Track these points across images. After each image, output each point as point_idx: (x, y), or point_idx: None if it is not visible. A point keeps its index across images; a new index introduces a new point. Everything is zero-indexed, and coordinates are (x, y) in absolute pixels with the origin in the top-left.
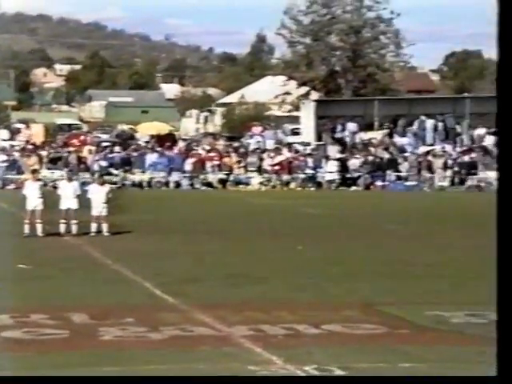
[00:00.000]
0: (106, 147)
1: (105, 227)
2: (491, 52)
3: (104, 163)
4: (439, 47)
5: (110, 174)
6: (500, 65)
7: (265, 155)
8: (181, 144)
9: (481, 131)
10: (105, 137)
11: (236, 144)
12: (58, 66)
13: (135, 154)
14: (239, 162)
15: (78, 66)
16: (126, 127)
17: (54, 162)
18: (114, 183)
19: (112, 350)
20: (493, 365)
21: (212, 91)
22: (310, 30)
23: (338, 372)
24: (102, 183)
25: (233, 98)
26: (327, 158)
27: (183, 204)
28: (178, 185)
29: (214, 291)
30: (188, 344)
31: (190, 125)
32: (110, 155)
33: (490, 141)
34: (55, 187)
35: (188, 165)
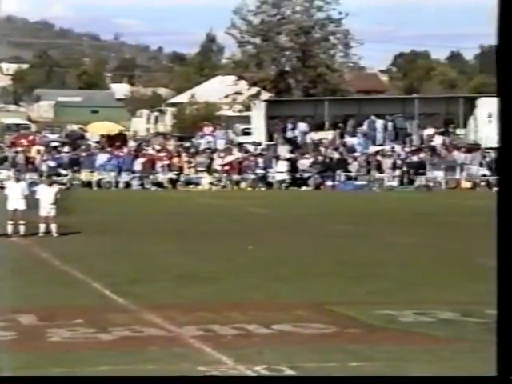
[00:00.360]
0: (54, 147)
1: (53, 228)
2: (438, 53)
3: (52, 163)
4: (388, 48)
5: (58, 174)
6: (500, 64)
7: (215, 155)
8: (131, 144)
9: (429, 131)
10: (53, 137)
11: (187, 144)
12: (4, 65)
13: (84, 154)
14: (190, 162)
15: (25, 65)
16: (75, 127)
17: (1, 162)
18: (63, 184)
19: (60, 351)
20: (440, 363)
21: (162, 91)
22: (259, 30)
23: (289, 372)
24: (51, 184)
25: (183, 97)
26: (278, 158)
27: (133, 204)
28: (127, 185)
29: (164, 292)
30: (138, 345)
31: (140, 125)
32: (59, 155)
33: (438, 141)
34: (2, 187)
35: (138, 165)
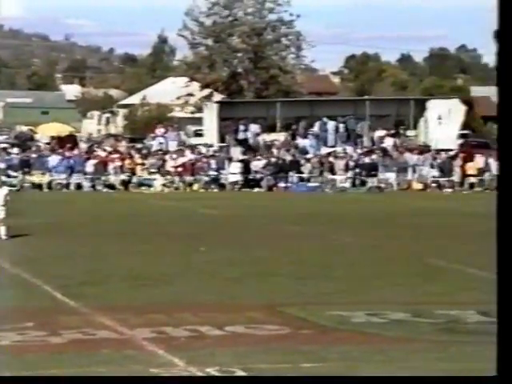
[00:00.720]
0: (3, 149)
1: (2, 230)
2: (389, 55)
3: (2, 165)
4: (339, 50)
5: (8, 175)
6: (500, 64)
7: (167, 157)
8: (82, 145)
9: (381, 133)
10: (2, 138)
11: (139, 145)
12: None
13: (35, 155)
14: (142, 163)
15: None
16: (24, 128)
17: None
18: (13, 185)
19: (10, 355)
20: (392, 363)
21: (113, 92)
22: (211, 31)
23: (240, 373)
24: (0, 185)
25: (135, 99)
26: (230, 159)
27: (84, 206)
28: (79, 186)
29: (116, 294)
30: (89, 347)
31: (91, 126)
32: (9, 157)
33: (389, 142)
34: None
35: (90, 166)
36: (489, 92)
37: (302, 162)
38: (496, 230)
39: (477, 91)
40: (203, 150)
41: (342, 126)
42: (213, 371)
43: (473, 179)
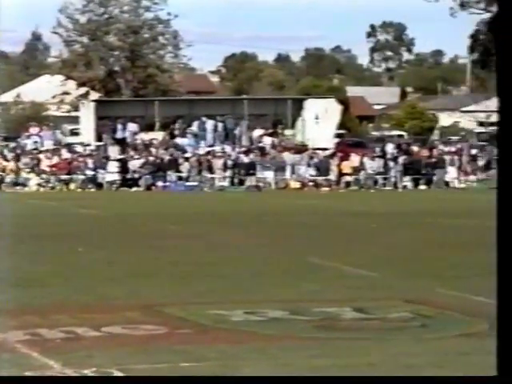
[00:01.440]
0: None
1: None
2: (267, 54)
3: None
4: (218, 49)
5: None
6: (500, 65)
7: (43, 156)
8: None
9: (259, 132)
10: None
11: (12, 144)
12: None
13: None
14: (16, 163)
15: None
16: None
17: None
18: None
19: None
20: (268, 360)
21: None
22: (87, 29)
23: (118, 374)
24: None
25: (7, 97)
26: (108, 158)
27: None
28: None
29: None
30: None
31: None
32: None
33: (267, 142)
34: None
35: None
36: (363, 92)
37: (181, 161)
38: (496, 229)
39: (352, 91)
40: (80, 149)
41: (220, 125)
42: (89, 373)
43: (348, 178)
